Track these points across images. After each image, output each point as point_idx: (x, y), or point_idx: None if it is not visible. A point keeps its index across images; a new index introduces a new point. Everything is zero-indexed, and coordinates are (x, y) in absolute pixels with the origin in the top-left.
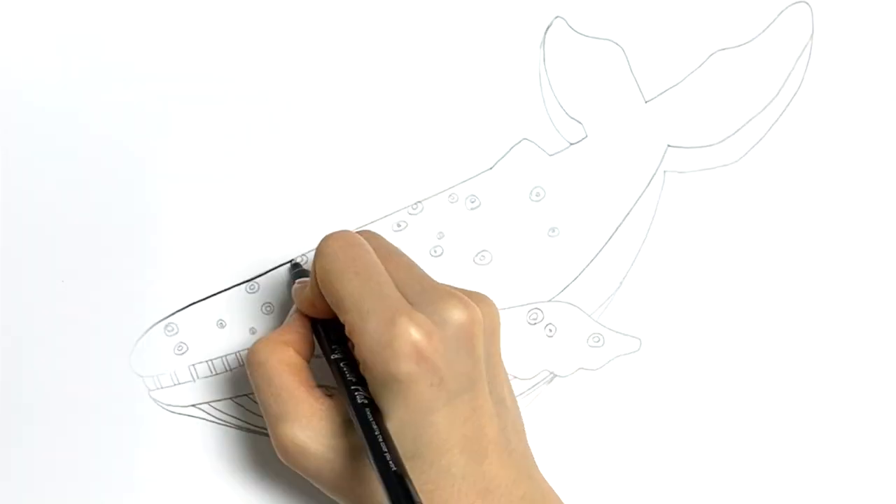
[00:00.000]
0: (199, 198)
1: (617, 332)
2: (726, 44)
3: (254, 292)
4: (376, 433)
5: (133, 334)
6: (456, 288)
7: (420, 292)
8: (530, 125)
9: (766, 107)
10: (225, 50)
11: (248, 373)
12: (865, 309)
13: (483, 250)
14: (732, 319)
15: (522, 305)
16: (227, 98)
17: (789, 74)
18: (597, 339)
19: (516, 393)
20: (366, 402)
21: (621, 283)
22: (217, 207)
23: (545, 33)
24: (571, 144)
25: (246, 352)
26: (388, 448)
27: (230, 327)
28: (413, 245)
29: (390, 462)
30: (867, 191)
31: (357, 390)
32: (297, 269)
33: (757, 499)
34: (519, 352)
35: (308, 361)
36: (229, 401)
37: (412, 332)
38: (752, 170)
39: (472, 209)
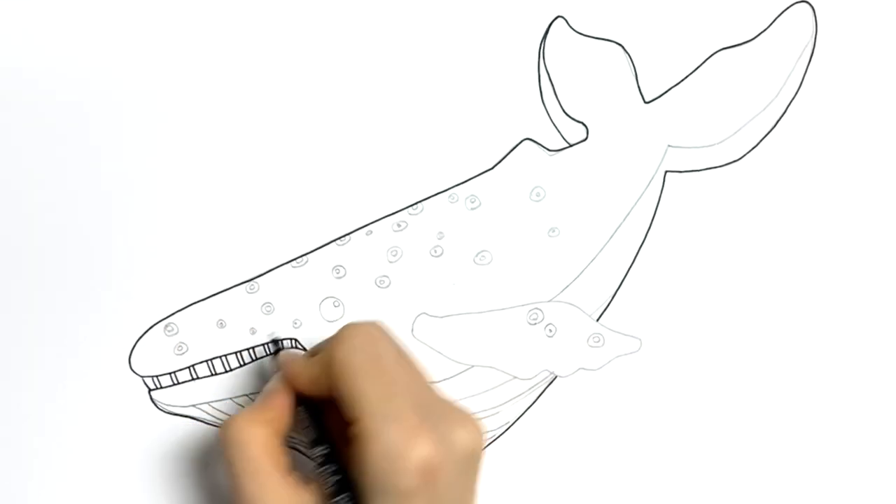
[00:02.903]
0: (199, 197)
1: (617, 332)
2: (727, 43)
3: (254, 292)
4: None
5: (133, 334)
6: (448, 400)
7: (429, 404)
8: (530, 125)
9: (766, 107)
10: (225, 50)
11: (223, 447)
12: (865, 308)
13: (483, 250)
14: (733, 319)
15: (522, 305)
16: (227, 98)
17: (790, 74)
18: (597, 339)
19: (516, 393)
20: None
21: (621, 283)
22: (217, 207)
23: (545, 33)
24: (571, 145)
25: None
26: None
27: (230, 327)
28: (413, 245)
29: None
30: (868, 191)
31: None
32: (277, 347)
33: (757, 499)
34: (519, 352)
35: (284, 440)
36: (229, 401)
37: (428, 450)
38: (752, 170)
39: (472, 209)
